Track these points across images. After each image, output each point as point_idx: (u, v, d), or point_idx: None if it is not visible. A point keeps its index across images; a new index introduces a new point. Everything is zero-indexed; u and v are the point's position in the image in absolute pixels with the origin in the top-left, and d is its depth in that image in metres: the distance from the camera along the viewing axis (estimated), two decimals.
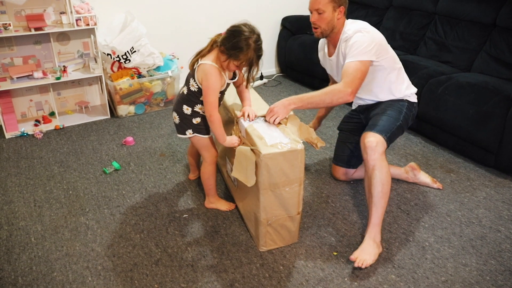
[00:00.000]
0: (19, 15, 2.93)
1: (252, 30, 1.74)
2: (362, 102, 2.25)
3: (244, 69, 1.84)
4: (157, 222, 2.06)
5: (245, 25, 1.75)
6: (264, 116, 1.92)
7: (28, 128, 3.02)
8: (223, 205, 2.16)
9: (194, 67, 1.86)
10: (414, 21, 3.48)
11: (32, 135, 2.95)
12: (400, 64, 2.13)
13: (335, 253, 1.89)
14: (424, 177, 2.37)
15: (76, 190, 2.31)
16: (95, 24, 2.96)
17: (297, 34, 3.95)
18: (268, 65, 4.30)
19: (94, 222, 2.05)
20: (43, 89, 3.17)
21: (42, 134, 2.95)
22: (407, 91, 2.14)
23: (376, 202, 1.85)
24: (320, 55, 2.30)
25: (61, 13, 3.01)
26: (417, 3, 3.47)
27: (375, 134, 1.90)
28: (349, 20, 2.05)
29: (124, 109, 3.25)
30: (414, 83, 2.85)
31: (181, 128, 1.98)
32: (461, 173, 2.54)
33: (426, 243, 1.96)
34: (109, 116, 3.25)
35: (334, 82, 2.31)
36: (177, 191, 2.29)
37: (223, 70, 1.82)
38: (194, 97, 1.90)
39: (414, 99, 2.17)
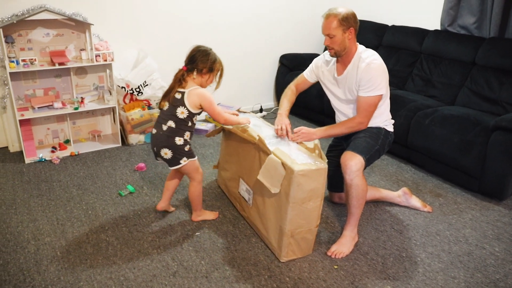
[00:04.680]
0: (43, 51, 3.20)
1: (206, 47, 2.16)
2: None
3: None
4: (172, 239, 2.24)
5: (200, 45, 2.17)
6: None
7: (45, 154, 3.22)
8: (210, 215, 2.43)
9: (179, 98, 2.11)
10: (402, 59, 3.81)
11: (50, 160, 3.15)
12: (388, 95, 2.32)
13: (335, 267, 2.07)
14: (415, 201, 2.59)
15: (95, 210, 2.50)
16: (113, 60, 3.24)
17: (294, 70, 4.27)
18: (267, 98, 4.60)
19: (114, 239, 2.23)
20: (60, 118, 3.40)
21: (59, 160, 3.15)
22: (387, 121, 2.35)
23: (353, 211, 2.18)
24: (320, 71, 2.39)
25: (81, 49, 3.29)
26: (404, 43, 3.83)
27: (355, 154, 2.12)
28: (362, 46, 2.24)
29: (134, 138, 3.47)
30: (403, 115, 3.14)
31: (174, 160, 2.18)
32: (449, 197, 2.77)
33: (418, 258, 2.16)
34: (120, 144, 3.46)
35: (332, 109, 2.49)
36: (189, 212, 2.48)
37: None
38: (183, 125, 2.14)
39: (391, 128, 2.38)
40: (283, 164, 1.92)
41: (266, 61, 4.45)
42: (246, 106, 4.40)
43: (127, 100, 3.56)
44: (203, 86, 2.17)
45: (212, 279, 1.95)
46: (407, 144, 3.14)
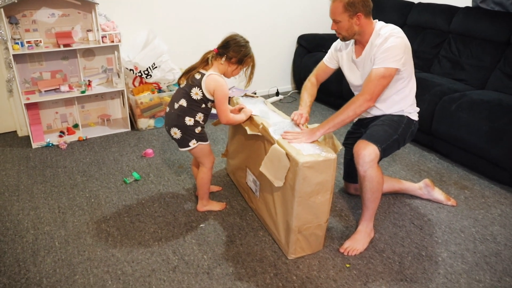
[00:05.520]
0: (49, 32, 3.10)
1: (245, 39, 2.05)
2: (366, 115, 2.21)
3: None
4: (174, 231, 2.13)
5: (237, 35, 2.04)
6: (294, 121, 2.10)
7: (53, 139, 3.16)
8: (216, 206, 2.31)
9: (198, 78, 1.99)
10: (428, 39, 3.53)
11: (57, 145, 3.08)
12: (414, 76, 2.10)
13: (347, 265, 1.92)
14: (438, 194, 2.38)
15: (98, 198, 2.41)
16: (119, 41, 3.11)
17: (313, 51, 4.05)
18: (284, 81, 4.40)
19: (115, 229, 2.13)
20: (68, 102, 3.32)
21: (66, 145, 3.08)
22: (411, 108, 2.12)
23: (368, 205, 2.01)
24: (339, 54, 2.20)
25: (87, 30, 3.17)
26: (431, 22, 3.54)
27: (369, 143, 1.92)
28: (381, 23, 2.01)
29: (144, 123, 3.37)
30: (427, 100, 2.90)
31: (184, 140, 2.08)
32: (476, 190, 2.55)
33: (439, 258, 1.97)
34: (129, 129, 3.37)
35: (352, 92, 2.27)
36: (195, 202, 2.36)
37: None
38: (196, 106, 2.02)
39: (415, 117, 2.14)
40: (287, 154, 1.75)
41: (283, 42, 4.23)
42: (261, 90, 4.22)
43: (136, 83, 3.45)
44: (227, 75, 2.07)
45: (214, 276, 1.83)
46: (431, 132, 2.91)
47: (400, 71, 1.96)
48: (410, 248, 2.04)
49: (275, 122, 2.06)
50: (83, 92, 3.13)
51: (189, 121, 2.03)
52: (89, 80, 3.19)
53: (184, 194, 2.45)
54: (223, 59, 2.00)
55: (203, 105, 2.03)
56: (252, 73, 2.11)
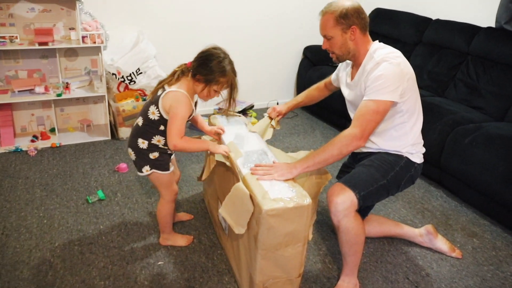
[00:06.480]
0: (28, 28, 2.86)
1: (223, 51, 1.70)
2: (361, 149, 1.87)
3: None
4: (127, 268, 1.83)
5: (215, 48, 1.70)
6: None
7: (24, 143, 2.91)
8: (181, 240, 2.00)
9: (158, 94, 1.70)
10: (444, 60, 3.19)
11: (26, 151, 2.83)
12: (420, 110, 1.78)
13: None
14: (441, 244, 2.04)
15: (52, 219, 2.14)
16: (102, 42, 2.85)
17: (318, 65, 3.73)
18: (287, 94, 4.09)
19: (59, 261, 1.85)
20: (46, 104, 3.07)
21: (36, 152, 2.83)
22: (412, 148, 1.76)
23: (347, 259, 1.72)
24: (340, 76, 1.94)
25: (70, 28, 2.93)
26: (448, 41, 3.19)
27: (346, 188, 1.60)
28: (379, 44, 1.72)
29: (125, 132, 3.09)
30: (438, 129, 2.56)
31: (138, 164, 1.80)
32: (486, 239, 2.19)
33: None
34: (109, 138, 3.10)
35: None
36: (159, 232, 2.07)
37: (192, 98, 1.75)
38: (151, 127, 1.73)
39: (417, 159, 1.78)
40: (251, 197, 1.45)
41: (288, 53, 3.93)
42: (260, 102, 3.92)
43: (121, 89, 3.18)
44: (200, 96, 1.76)
45: None
46: (440, 165, 2.57)
47: (397, 103, 1.63)
48: None
49: (248, 150, 1.75)
50: (59, 95, 2.87)
51: (142, 143, 1.75)
52: (67, 83, 2.94)
53: (149, 222, 2.16)
54: (190, 75, 1.70)
55: (162, 127, 1.73)
56: (232, 96, 1.75)
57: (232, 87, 1.72)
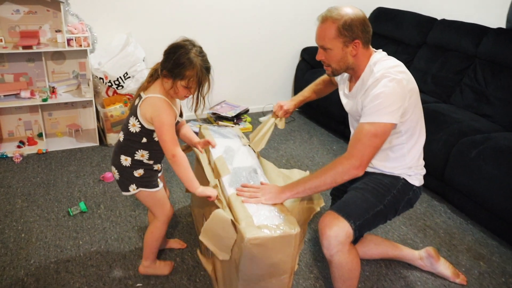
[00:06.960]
0: (13, 30, 2.74)
1: (192, 43, 1.50)
2: None
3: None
4: None
5: (184, 40, 1.51)
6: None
7: (10, 149, 2.81)
8: (163, 269, 1.81)
9: (136, 103, 1.54)
10: (450, 63, 3.02)
11: (11, 158, 2.72)
12: (422, 129, 1.60)
13: None
14: (443, 268, 1.87)
15: (30, 233, 2.02)
16: (88, 45, 2.72)
17: (316, 67, 3.57)
18: (284, 98, 3.92)
19: (33, 280, 1.73)
20: (33, 108, 2.96)
21: (21, 158, 2.72)
22: (412, 169, 1.61)
23: None
24: (339, 81, 1.79)
25: (56, 31, 2.81)
26: (455, 42, 3.02)
27: (340, 218, 1.44)
28: (380, 55, 1.54)
29: (113, 138, 2.97)
30: (442, 140, 2.41)
31: (122, 184, 1.64)
32: (494, 263, 2.03)
33: None
34: (97, 144, 2.98)
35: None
36: (140, 250, 1.94)
37: (172, 101, 1.55)
38: (133, 141, 1.57)
39: (415, 181, 1.62)
40: (233, 222, 1.31)
41: (285, 55, 3.77)
42: (255, 106, 3.78)
43: (110, 93, 3.06)
44: (173, 96, 1.53)
45: None
46: (444, 178, 2.41)
47: (397, 124, 1.48)
48: None
49: (237, 167, 1.61)
50: (44, 100, 2.76)
51: (125, 160, 1.59)
52: (53, 87, 2.82)
53: (131, 237, 2.04)
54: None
55: (144, 139, 1.57)
56: (200, 93, 1.51)
57: (201, 81, 1.48)
